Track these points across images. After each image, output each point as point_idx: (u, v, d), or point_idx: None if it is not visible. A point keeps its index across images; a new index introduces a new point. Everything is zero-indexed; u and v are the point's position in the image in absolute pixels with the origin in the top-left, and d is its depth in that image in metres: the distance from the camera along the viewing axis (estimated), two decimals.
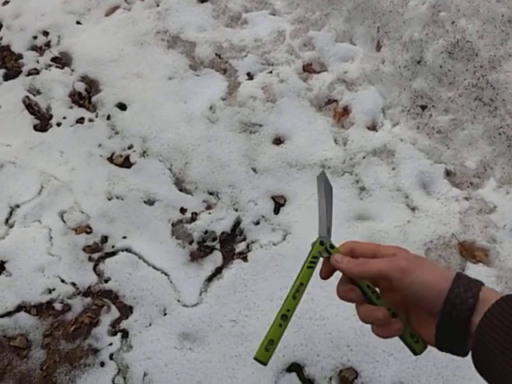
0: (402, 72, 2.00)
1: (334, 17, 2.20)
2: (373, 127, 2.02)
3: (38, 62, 2.47)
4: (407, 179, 1.87)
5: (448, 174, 1.87)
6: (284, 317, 0.66)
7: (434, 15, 1.92)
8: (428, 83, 1.94)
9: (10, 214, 1.96)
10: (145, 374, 1.57)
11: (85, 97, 2.33)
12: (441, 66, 1.90)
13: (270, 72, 2.20)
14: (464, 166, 1.85)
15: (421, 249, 1.73)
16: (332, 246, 0.69)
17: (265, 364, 0.64)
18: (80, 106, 2.31)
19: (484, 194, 1.77)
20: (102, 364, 1.61)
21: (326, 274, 0.68)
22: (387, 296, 0.65)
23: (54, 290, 1.74)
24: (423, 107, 1.96)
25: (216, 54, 2.31)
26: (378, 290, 0.66)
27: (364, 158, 1.94)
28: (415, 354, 0.64)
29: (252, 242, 1.83)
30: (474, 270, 1.66)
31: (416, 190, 1.85)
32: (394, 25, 2.03)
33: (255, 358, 0.64)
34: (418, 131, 1.94)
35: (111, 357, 1.63)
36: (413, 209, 1.82)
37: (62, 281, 1.77)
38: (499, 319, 0.53)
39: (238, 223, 1.89)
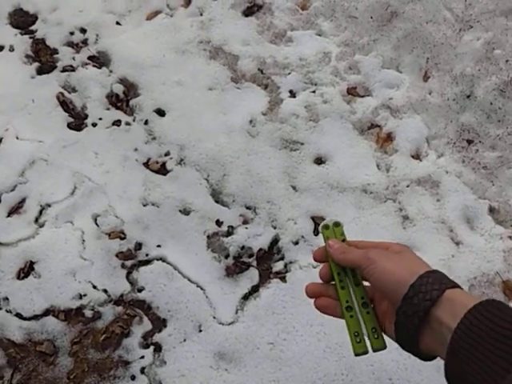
0: (450, 104, 2.00)
1: (383, 43, 2.20)
2: (417, 156, 2.01)
3: (73, 58, 2.43)
4: (452, 212, 1.85)
5: (491, 210, 1.86)
6: (349, 308, 0.65)
7: (488, 52, 1.93)
8: (476, 118, 1.94)
9: (40, 212, 1.90)
10: None
11: (122, 99, 2.29)
12: (491, 103, 1.90)
13: (314, 92, 2.19)
14: (508, 204, 1.84)
15: (464, 284, 1.70)
16: (337, 224, 0.72)
17: (366, 353, 0.63)
18: (117, 108, 2.26)
19: None
20: (133, 377, 1.54)
21: (318, 257, 0.71)
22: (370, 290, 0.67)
23: (85, 295, 1.68)
24: (469, 141, 1.95)
25: (258, 69, 2.29)
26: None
27: (408, 186, 1.92)
28: (372, 349, 0.63)
29: (290, 262, 1.79)
30: None
31: (460, 225, 1.83)
32: (445, 57, 2.04)
33: (356, 355, 0.63)
34: (463, 165, 1.93)
35: (142, 371, 1.56)
36: (457, 243, 1.80)
37: (94, 287, 1.71)
38: (479, 327, 0.48)
39: (275, 241, 1.85)
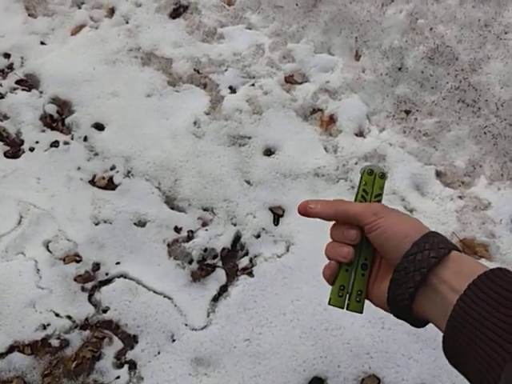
0: (384, 79, 2.05)
1: (311, 29, 2.23)
2: (360, 133, 2.05)
3: (1, 85, 2.32)
4: (401, 182, 1.90)
5: (438, 174, 1.92)
6: (349, 262, 0.61)
7: (412, 23, 1.99)
8: (411, 88, 2.00)
9: None
10: None
11: (57, 119, 2.21)
12: (422, 72, 1.97)
13: (253, 85, 2.19)
14: (453, 165, 1.91)
15: None
16: (382, 175, 0.64)
17: (342, 308, 0.62)
18: (53, 128, 2.18)
19: (477, 192, 1.83)
20: None
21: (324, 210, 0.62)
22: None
23: (48, 325, 1.60)
24: (407, 112, 2.01)
25: (194, 70, 2.27)
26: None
27: (356, 163, 1.96)
28: (348, 309, 0.62)
29: (255, 256, 1.78)
30: None
31: (411, 192, 1.88)
32: (372, 34, 2.09)
33: (331, 305, 0.62)
34: (404, 135, 1.99)
35: None
36: (411, 211, 1.85)
37: (57, 315, 1.63)
38: (490, 296, 0.45)
39: (237, 238, 1.84)
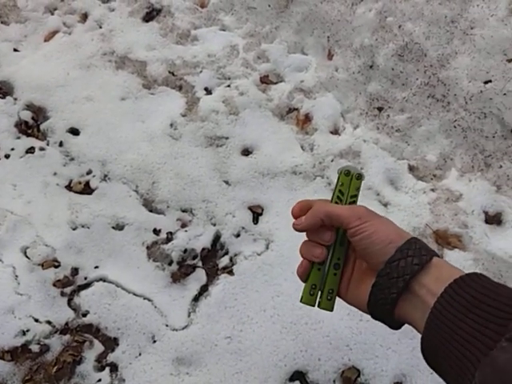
0: (356, 77, 2.09)
1: (284, 29, 2.26)
2: (335, 131, 2.08)
3: None
4: (376, 177, 1.93)
5: (411, 168, 1.96)
6: (337, 265, 0.63)
7: (382, 21, 2.03)
8: (382, 86, 2.04)
9: None
10: None
11: (32, 125, 2.20)
12: (393, 69, 2.01)
13: (229, 86, 2.21)
14: (425, 159, 1.95)
15: None
16: (359, 176, 0.66)
17: (312, 306, 0.64)
18: (28, 135, 2.17)
19: (448, 184, 1.88)
20: None
21: (302, 210, 0.64)
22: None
23: (28, 331, 1.59)
24: (380, 109, 2.05)
25: (169, 72, 2.28)
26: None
27: (332, 161, 1.99)
28: (319, 307, 0.65)
29: (235, 255, 1.79)
30: (452, 256, 1.74)
31: (385, 187, 1.92)
32: (343, 33, 2.12)
33: (302, 303, 0.64)
34: (378, 131, 2.02)
35: None
36: (385, 205, 1.88)
37: (36, 320, 1.62)
38: (465, 298, 0.47)
39: (217, 237, 1.85)
